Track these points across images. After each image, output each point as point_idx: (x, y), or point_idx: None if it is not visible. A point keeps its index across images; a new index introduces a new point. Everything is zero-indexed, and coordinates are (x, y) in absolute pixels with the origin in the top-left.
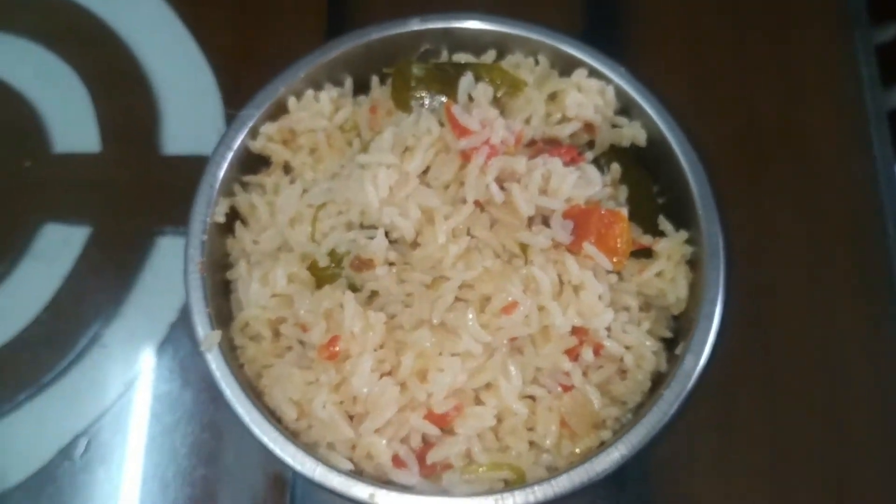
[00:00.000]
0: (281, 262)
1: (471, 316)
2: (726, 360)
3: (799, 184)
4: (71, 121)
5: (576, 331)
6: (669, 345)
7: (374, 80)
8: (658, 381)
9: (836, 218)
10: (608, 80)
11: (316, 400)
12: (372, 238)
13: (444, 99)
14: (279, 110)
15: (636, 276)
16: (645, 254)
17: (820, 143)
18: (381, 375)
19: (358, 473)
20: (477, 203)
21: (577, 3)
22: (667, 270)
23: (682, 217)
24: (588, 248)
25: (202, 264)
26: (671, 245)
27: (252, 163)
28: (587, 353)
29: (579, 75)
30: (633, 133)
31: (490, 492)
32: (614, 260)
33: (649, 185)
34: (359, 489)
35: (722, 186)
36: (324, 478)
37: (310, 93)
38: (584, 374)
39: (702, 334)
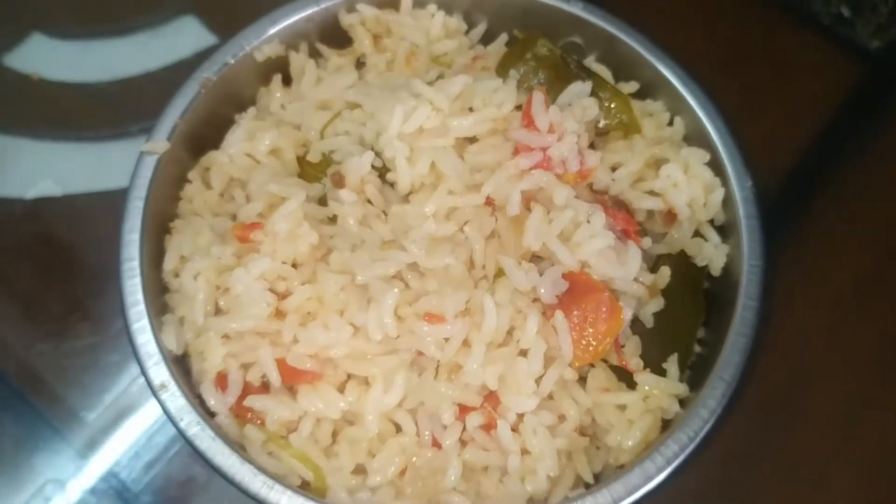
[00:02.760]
0: (278, 130)
1: (394, 297)
2: None
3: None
4: None
5: (487, 395)
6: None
7: (502, 37)
8: None
9: None
10: (725, 182)
11: (192, 264)
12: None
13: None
14: (389, 3)
15: (596, 392)
16: (629, 379)
17: None
18: (270, 290)
19: (181, 369)
20: (491, 203)
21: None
22: (632, 409)
23: (703, 380)
24: (559, 321)
25: (207, 80)
26: (656, 387)
27: (335, 36)
28: (473, 421)
29: (696, 156)
30: (712, 255)
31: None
32: (577, 353)
33: (695, 322)
34: (155, 373)
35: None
36: (139, 332)
37: (432, 7)
38: (462, 442)
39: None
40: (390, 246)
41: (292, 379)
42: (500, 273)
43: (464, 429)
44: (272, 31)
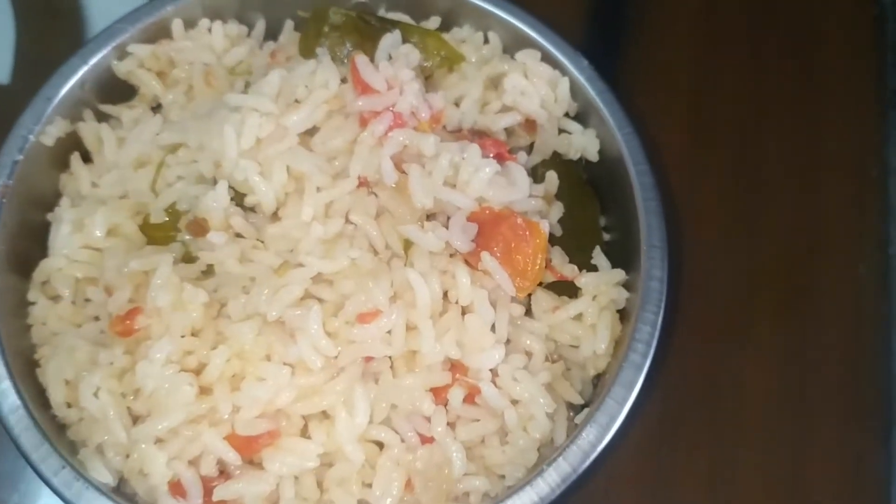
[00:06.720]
0: (106, 207)
1: (317, 317)
2: (641, 445)
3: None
4: None
5: (452, 366)
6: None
7: (288, 24)
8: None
9: (832, 323)
10: (564, 72)
11: (87, 382)
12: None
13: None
14: (160, 33)
15: (549, 314)
16: (567, 290)
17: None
18: (182, 371)
19: (127, 496)
20: (364, 182)
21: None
22: (588, 314)
23: (628, 260)
24: (487, 260)
25: (5, 188)
26: (600, 283)
27: (117, 91)
28: (456, 397)
29: (529, 57)
30: (584, 143)
31: None
32: (518, 283)
33: (594, 212)
34: None
35: (688, 234)
36: (63, 486)
37: (204, 22)
38: (451, 425)
39: (613, 404)
40: (286, 269)
41: (250, 450)
42: (407, 245)
43: (446, 411)
44: (49, 109)
